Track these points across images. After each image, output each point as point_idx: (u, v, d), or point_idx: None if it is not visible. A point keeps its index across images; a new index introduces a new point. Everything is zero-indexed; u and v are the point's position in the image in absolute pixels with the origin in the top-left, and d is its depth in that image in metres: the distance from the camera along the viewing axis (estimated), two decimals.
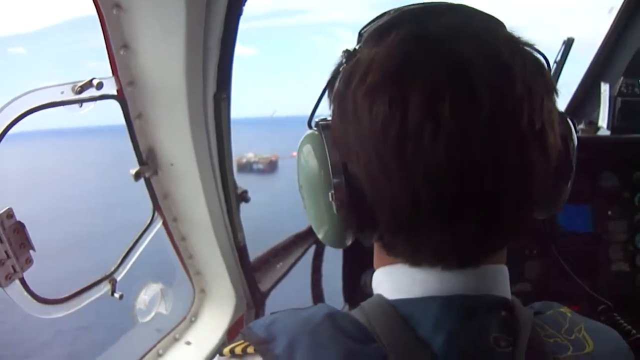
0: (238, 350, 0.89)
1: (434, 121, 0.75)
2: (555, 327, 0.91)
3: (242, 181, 2.24)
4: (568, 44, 2.62)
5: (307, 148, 0.91)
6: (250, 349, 0.87)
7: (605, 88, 2.74)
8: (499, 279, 0.89)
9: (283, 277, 2.81)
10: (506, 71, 0.79)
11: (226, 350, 0.90)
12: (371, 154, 0.80)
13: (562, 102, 0.90)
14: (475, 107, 0.76)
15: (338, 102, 0.86)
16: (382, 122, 0.78)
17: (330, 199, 0.86)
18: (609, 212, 2.67)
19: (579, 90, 3.27)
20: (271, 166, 39.91)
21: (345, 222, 0.87)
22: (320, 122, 0.91)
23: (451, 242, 0.82)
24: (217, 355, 0.93)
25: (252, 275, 2.50)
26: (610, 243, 2.65)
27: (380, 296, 0.90)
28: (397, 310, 0.85)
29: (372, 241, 0.92)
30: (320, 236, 0.95)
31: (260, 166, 37.55)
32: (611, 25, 2.99)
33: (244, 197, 2.24)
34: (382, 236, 0.88)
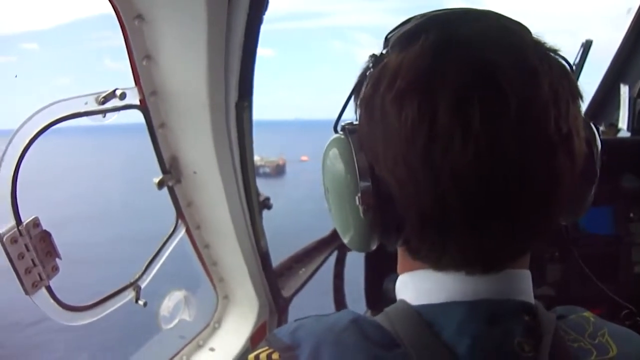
0: (263, 356, 0.89)
1: (463, 125, 0.75)
2: (578, 331, 0.91)
3: None
4: (586, 46, 2.59)
5: (334, 152, 0.91)
6: (275, 356, 0.87)
7: (625, 90, 2.72)
8: (523, 284, 0.89)
9: (306, 283, 2.81)
10: (533, 75, 0.79)
11: (251, 356, 0.90)
12: (399, 158, 0.80)
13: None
14: (503, 111, 0.76)
15: (365, 107, 0.87)
16: (411, 127, 0.78)
17: (357, 202, 0.86)
18: (631, 214, 2.63)
19: (599, 92, 3.24)
20: (278, 170, 38.69)
21: (371, 226, 0.88)
22: (346, 126, 0.91)
23: (477, 245, 0.82)
24: None
25: (275, 281, 2.51)
26: (632, 245, 2.61)
27: (404, 301, 0.90)
28: (421, 315, 0.86)
29: (397, 246, 0.92)
30: (345, 240, 0.95)
31: (267, 170, 36.39)
32: (629, 26, 2.96)
33: (266, 204, 2.26)
34: (408, 240, 0.88)
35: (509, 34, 0.84)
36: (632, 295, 2.35)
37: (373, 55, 0.89)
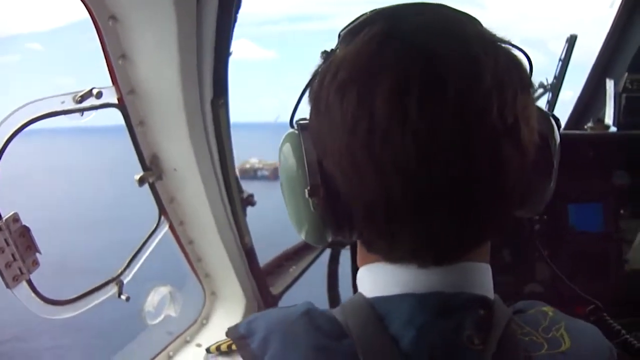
0: (224, 347, 0.92)
1: (401, 115, 0.76)
2: (533, 325, 0.92)
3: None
4: (571, 41, 2.60)
5: (287, 147, 0.92)
6: (234, 346, 0.90)
7: (610, 85, 2.70)
8: (479, 277, 0.90)
9: (295, 281, 2.83)
10: (475, 65, 0.79)
11: (213, 347, 0.94)
12: (343, 150, 0.81)
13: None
14: (442, 100, 0.77)
15: (313, 101, 0.88)
16: (352, 117, 0.79)
17: (307, 195, 0.87)
18: (621, 211, 2.61)
19: (586, 88, 3.22)
20: (275, 173, 36.07)
21: (323, 220, 0.89)
22: (299, 122, 0.92)
23: (425, 237, 0.83)
24: (205, 352, 0.96)
25: (263, 278, 2.53)
26: (623, 242, 2.60)
27: (360, 294, 0.91)
28: (374, 307, 0.87)
29: (353, 239, 0.93)
30: (301, 235, 0.96)
31: (265, 173, 34.53)
32: (613, 21, 2.95)
33: (249, 200, 2.29)
34: (361, 234, 0.90)
35: (453, 25, 0.85)
36: (622, 292, 2.35)
37: (324, 52, 0.91)
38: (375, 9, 0.90)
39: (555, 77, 3.05)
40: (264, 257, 2.73)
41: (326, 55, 0.91)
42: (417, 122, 0.76)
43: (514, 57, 0.86)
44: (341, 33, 0.92)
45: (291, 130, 0.94)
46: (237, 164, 2.18)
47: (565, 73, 2.78)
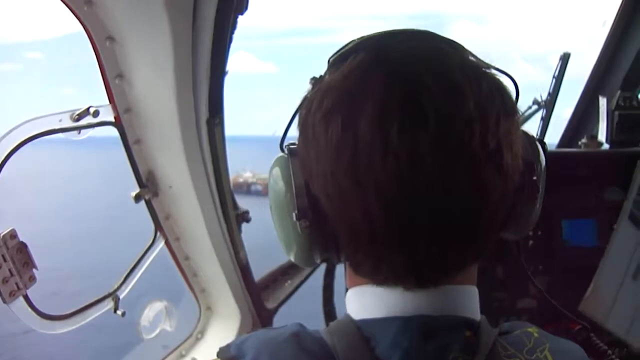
0: None
1: (383, 141, 0.78)
2: (517, 346, 0.92)
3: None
4: (564, 59, 2.62)
5: (276, 170, 0.94)
6: None
7: (603, 102, 2.72)
8: (464, 300, 0.91)
9: (291, 295, 2.83)
10: (457, 91, 0.81)
11: None
12: (328, 174, 0.83)
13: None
14: (423, 126, 0.78)
15: (301, 127, 0.91)
16: (336, 144, 0.81)
17: (294, 219, 0.89)
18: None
19: (580, 105, 3.24)
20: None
21: (310, 242, 0.91)
22: (289, 146, 0.95)
23: (408, 260, 0.84)
24: None
25: (258, 293, 2.55)
26: None
27: (348, 316, 0.93)
28: (361, 329, 0.89)
29: (341, 261, 0.95)
30: (290, 256, 0.98)
31: (259, 187, 34.99)
32: (606, 39, 2.97)
33: (244, 217, 2.30)
34: (347, 256, 0.92)
35: (437, 53, 0.86)
36: None
37: (313, 78, 0.93)
38: (363, 36, 0.92)
39: (549, 94, 3.07)
40: (261, 271, 2.75)
41: (315, 81, 0.92)
42: (398, 148, 0.78)
43: (498, 82, 0.88)
44: (330, 60, 0.93)
45: (281, 154, 0.96)
46: (230, 176, 2.18)
47: (559, 90, 2.80)
